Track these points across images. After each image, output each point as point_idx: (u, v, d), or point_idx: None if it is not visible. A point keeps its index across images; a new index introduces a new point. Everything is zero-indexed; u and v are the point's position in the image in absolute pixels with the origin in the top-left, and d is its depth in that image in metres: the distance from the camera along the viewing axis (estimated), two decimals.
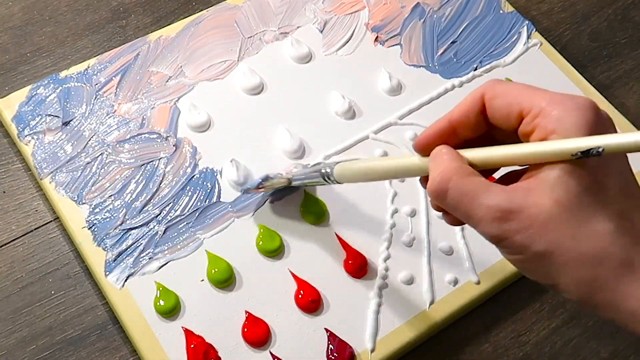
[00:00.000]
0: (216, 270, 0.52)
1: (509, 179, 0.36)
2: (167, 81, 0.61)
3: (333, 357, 0.50)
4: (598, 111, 0.33)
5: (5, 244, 0.54)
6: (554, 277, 0.33)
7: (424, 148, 0.38)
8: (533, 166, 0.33)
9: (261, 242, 0.54)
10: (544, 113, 0.33)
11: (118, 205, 0.55)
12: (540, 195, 0.32)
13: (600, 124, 0.33)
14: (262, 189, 0.55)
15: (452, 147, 0.36)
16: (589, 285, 0.32)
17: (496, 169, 0.38)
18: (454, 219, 0.37)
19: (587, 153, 0.31)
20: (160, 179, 0.56)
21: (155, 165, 0.57)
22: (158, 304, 0.51)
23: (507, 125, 0.35)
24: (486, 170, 0.36)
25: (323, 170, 0.49)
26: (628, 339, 0.56)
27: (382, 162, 0.43)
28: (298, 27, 0.66)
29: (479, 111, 0.36)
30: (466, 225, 0.56)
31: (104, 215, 0.54)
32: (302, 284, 0.53)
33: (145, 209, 0.55)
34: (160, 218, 0.54)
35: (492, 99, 0.36)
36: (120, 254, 0.53)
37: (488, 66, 0.66)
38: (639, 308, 0.31)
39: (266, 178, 0.54)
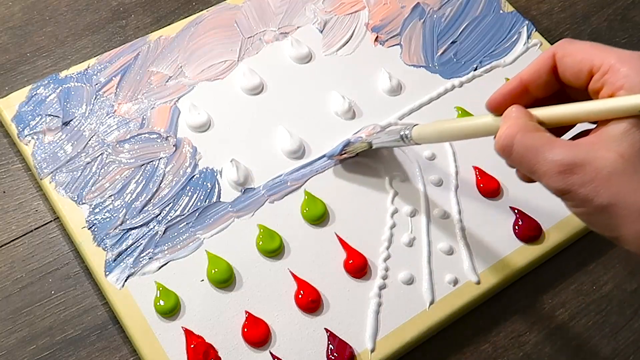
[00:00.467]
0: (216, 270, 0.52)
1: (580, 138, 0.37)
2: (167, 81, 0.61)
3: (333, 357, 0.50)
4: None
5: (5, 244, 0.54)
6: (616, 229, 0.33)
7: (497, 107, 0.39)
8: (600, 123, 0.34)
9: (261, 242, 0.54)
10: (612, 70, 0.34)
11: (118, 205, 0.55)
12: (604, 149, 0.33)
13: None
14: (345, 155, 0.57)
15: (523, 106, 0.37)
16: None
17: (567, 128, 0.39)
18: (525, 175, 0.38)
19: None
20: (160, 179, 0.56)
21: (155, 165, 0.57)
22: (158, 304, 0.51)
23: (578, 82, 0.36)
24: (558, 130, 0.37)
25: (402, 133, 0.51)
26: (628, 338, 0.56)
27: (456, 122, 0.45)
28: (298, 27, 0.66)
29: (550, 69, 0.37)
30: (466, 226, 0.56)
31: (104, 215, 0.54)
32: (302, 284, 0.53)
33: (145, 209, 0.55)
34: (160, 218, 0.54)
35: (563, 57, 0.37)
36: (120, 254, 0.53)
37: (488, 66, 0.66)
38: None
39: (348, 143, 0.56)
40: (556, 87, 0.38)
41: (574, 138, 0.38)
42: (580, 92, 0.37)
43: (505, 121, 0.37)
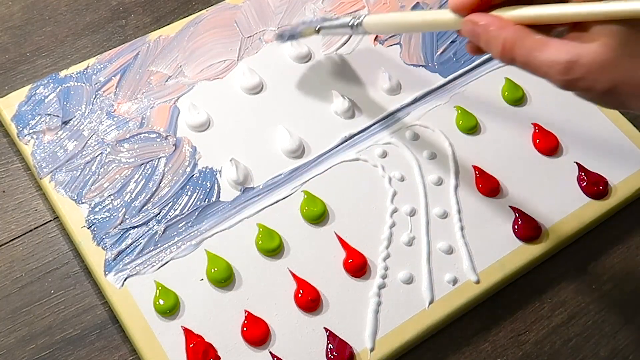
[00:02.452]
0: (215, 269, 0.52)
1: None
2: (166, 81, 0.61)
3: (332, 357, 0.50)
4: None
5: (5, 244, 0.54)
6: (627, 105, 0.38)
7: (461, 8, 0.42)
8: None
9: (261, 242, 0.54)
10: None
11: (117, 204, 0.55)
12: (592, 42, 0.37)
13: None
14: (292, 38, 0.60)
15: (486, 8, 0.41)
16: None
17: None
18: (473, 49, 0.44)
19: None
20: (160, 178, 0.56)
21: (155, 165, 0.57)
22: (157, 303, 0.51)
23: None
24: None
25: (351, 22, 0.53)
26: (628, 338, 0.56)
27: (415, 14, 0.48)
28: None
29: None
30: (466, 225, 0.56)
31: (104, 214, 0.54)
32: (301, 283, 0.53)
33: (144, 208, 0.55)
34: (160, 217, 0.55)
35: None
36: (119, 253, 0.53)
37: (488, 65, 0.66)
38: None
39: (295, 30, 0.59)
40: None
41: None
42: None
43: (495, 32, 0.40)
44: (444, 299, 0.53)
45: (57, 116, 0.58)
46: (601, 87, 0.37)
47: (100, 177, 0.56)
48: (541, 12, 0.39)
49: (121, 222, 0.54)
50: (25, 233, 0.55)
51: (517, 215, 0.57)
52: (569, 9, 0.38)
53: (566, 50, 0.38)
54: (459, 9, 0.42)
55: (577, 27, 0.38)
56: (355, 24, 0.53)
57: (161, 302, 0.51)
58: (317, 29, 0.58)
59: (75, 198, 0.55)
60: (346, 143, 0.60)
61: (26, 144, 0.57)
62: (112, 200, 0.55)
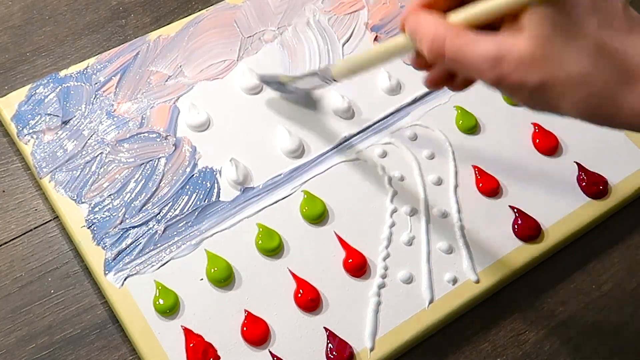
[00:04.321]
0: (215, 269, 0.52)
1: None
2: (166, 81, 0.61)
3: (332, 356, 0.50)
4: None
5: (5, 243, 0.54)
6: (556, 104, 0.35)
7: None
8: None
9: (260, 241, 0.54)
10: None
11: (117, 204, 0.55)
12: (521, 34, 0.35)
13: None
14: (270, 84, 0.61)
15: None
16: (587, 104, 0.35)
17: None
18: (459, 84, 0.42)
19: None
20: (160, 178, 0.56)
21: (155, 165, 0.57)
22: (157, 302, 0.51)
23: None
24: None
25: (322, 76, 0.53)
26: (628, 338, 0.56)
27: (371, 51, 0.47)
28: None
29: None
30: (465, 225, 0.56)
31: (104, 214, 0.54)
32: (301, 283, 0.53)
33: (144, 208, 0.55)
34: (160, 217, 0.55)
35: None
36: (119, 253, 0.53)
37: None
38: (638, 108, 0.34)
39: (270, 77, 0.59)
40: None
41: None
42: None
43: (421, 28, 0.39)
44: (444, 299, 0.53)
45: (57, 116, 0.58)
46: (532, 83, 0.35)
47: (100, 177, 0.56)
48: (476, 8, 0.37)
49: (121, 222, 0.54)
50: (25, 233, 0.55)
51: (517, 215, 0.57)
52: (493, 2, 0.37)
53: (495, 43, 0.36)
54: (403, 26, 0.41)
55: (510, 22, 0.36)
56: (324, 75, 0.53)
57: (161, 301, 0.51)
58: (288, 82, 0.59)
59: (75, 198, 0.55)
60: (346, 143, 0.60)
61: (26, 144, 0.57)
62: (112, 200, 0.55)
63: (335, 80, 0.53)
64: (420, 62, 0.42)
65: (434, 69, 0.43)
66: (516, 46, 0.35)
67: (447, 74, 0.43)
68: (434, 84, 0.43)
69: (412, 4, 0.40)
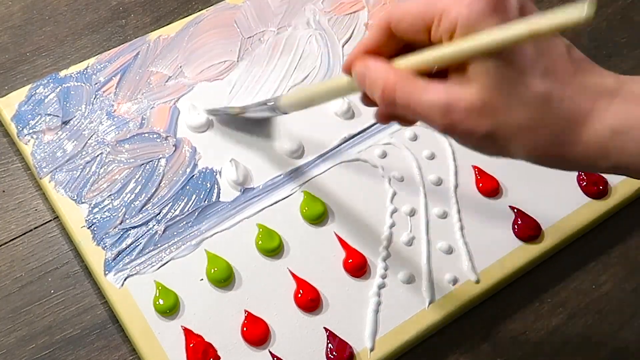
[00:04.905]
0: (215, 269, 0.52)
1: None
2: (166, 81, 0.61)
3: (332, 356, 0.50)
4: None
5: (5, 243, 0.54)
6: (506, 150, 0.36)
7: (350, 68, 0.41)
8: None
9: (260, 242, 0.54)
10: (444, 17, 0.36)
11: (117, 204, 0.55)
12: (469, 84, 0.35)
13: (499, 5, 0.35)
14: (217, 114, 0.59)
15: None
16: (536, 149, 0.35)
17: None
18: (405, 120, 0.42)
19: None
20: (160, 178, 0.56)
21: (155, 165, 0.57)
22: (157, 303, 0.51)
23: (421, 40, 0.38)
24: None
25: (270, 104, 0.53)
26: (627, 338, 0.56)
27: (317, 87, 0.48)
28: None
29: (389, 37, 0.39)
30: (465, 225, 0.56)
31: (104, 214, 0.54)
32: (301, 283, 0.53)
33: (144, 208, 0.55)
34: (160, 217, 0.55)
35: (397, 25, 0.38)
36: (119, 253, 0.53)
37: None
38: (588, 150, 0.34)
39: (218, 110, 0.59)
40: (403, 44, 0.39)
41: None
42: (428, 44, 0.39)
43: (371, 74, 0.39)
44: (443, 299, 0.53)
45: (57, 116, 0.58)
46: (481, 131, 0.35)
47: (100, 177, 0.56)
48: (422, 57, 0.37)
49: (121, 222, 0.54)
50: (25, 233, 0.55)
51: (516, 215, 0.57)
52: (443, 49, 0.36)
53: (445, 92, 0.36)
54: (348, 68, 0.41)
55: (458, 69, 0.36)
56: (273, 107, 0.53)
57: (161, 302, 0.51)
58: (239, 112, 0.58)
59: (75, 198, 0.55)
60: (346, 143, 0.60)
61: (26, 144, 0.57)
62: (112, 200, 0.55)
63: (284, 112, 0.53)
64: (369, 100, 0.42)
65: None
66: (464, 95, 0.35)
67: None
68: (385, 120, 0.43)
69: (356, 50, 0.40)
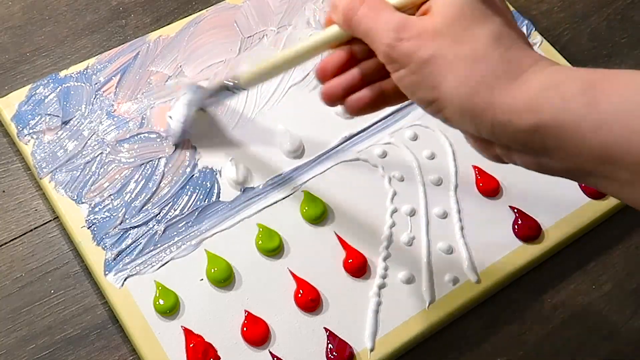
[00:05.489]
0: (215, 269, 0.52)
1: None
2: (166, 81, 0.61)
3: (332, 356, 0.50)
4: None
5: (5, 243, 0.54)
6: (437, 85, 0.36)
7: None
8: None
9: (260, 242, 0.54)
10: None
11: (117, 204, 0.55)
12: (431, 15, 0.37)
13: None
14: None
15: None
16: (468, 84, 0.35)
17: None
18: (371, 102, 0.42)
19: None
20: (160, 178, 0.56)
21: (155, 165, 0.57)
22: (157, 303, 0.51)
23: None
24: None
25: (227, 84, 0.52)
26: (628, 338, 0.56)
27: (277, 57, 0.47)
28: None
29: None
30: (465, 225, 0.56)
31: (104, 214, 0.54)
32: (301, 283, 0.53)
33: (144, 208, 0.55)
34: (160, 217, 0.55)
35: None
36: (119, 253, 0.53)
37: None
38: (516, 101, 0.34)
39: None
40: None
41: None
42: None
43: None
44: (444, 299, 0.53)
45: (57, 116, 0.58)
46: (422, 55, 0.36)
47: (100, 177, 0.56)
48: None
49: (121, 222, 0.54)
50: (25, 233, 0.55)
51: (517, 215, 0.57)
52: None
53: (404, 17, 0.38)
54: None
55: (425, 11, 0.38)
56: (232, 85, 0.51)
57: (161, 302, 0.51)
58: (199, 109, 0.57)
59: (75, 198, 0.55)
60: (346, 143, 0.60)
61: (26, 144, 0.57)
62: (112, 200, 0.55)
63: (243, 89, 0.52)
64: (325, 65, 0.42)
65: (333, 80, 0.43)
66: (423, 21, 0.37)
67: (346, 88, 0.42)
68: (330, 97, 0.43)
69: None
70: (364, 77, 0.42)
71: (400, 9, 0.39)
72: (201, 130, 0.59)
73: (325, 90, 0.43)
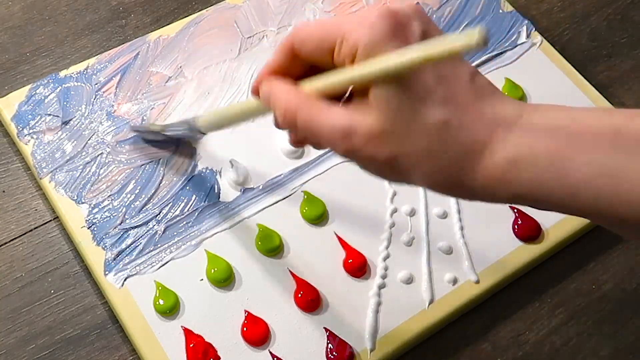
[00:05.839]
0: (215, 269, 0.52)
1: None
2: (166, 82, 0.61)
3: (332, 356, 0.50)
4: (393, 17, 0.34)
5: (5, 243, 0.54)
6: (408, 177, 0.36)
7: (257, 91, 0.41)
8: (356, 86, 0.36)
9: (260, 242, 0.54)
10: (345, 41, 0.35)
11: (117, 204, 0.55)
12: (369, 110, 0.35)
13: (400, 29, 0.34)
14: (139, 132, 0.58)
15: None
16: (436, 177, 0.35)
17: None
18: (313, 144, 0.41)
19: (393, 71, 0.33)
20: (160, 178, 0.56)
21: (155, 165, 0.57)
22: (157, 303, 0.51)
23: (326, 63, 0.37)
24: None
25: (191, 123, 0.52)
26: (628, 338, 0.56)
27: (231, 108, 0.47)
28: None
29: (292, 59, 0.39)
30: (465, 225, 0.56)
31: (104, 214, 0.54)
32: (301, 283, 0.53)
33: (144, 208, 0.55)
34: (160, 217, 0.55)
35: (301, 47, 0.38)
36: (119, 253, 0.53)
37: (488, 66, 0.66)
38: (487, 179, 0.34)
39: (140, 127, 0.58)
40: (309, 65, 0.39)
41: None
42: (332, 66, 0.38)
43: (275, 96, 0.38)
44: (443, 299, 0.53)
45: (57, 116, 0.58)
46: (381, 157, 0.35)
47: (100, 178, 0.56)
48: (324, 80, 0.37)
49: (121, 222, 0.54)
50: (25, 233, 0.55)
51: (517, 215, 0.57)
52: (341, 73, 0.36)
53: (347, 116, 0.35)
54: (256, 89, 0.41)
55: (362, 95, 0.35)
56: (192, 126, 0.52)
57: (161, 302, 0.51)
58: (161, 130, 0.57)
59: (75, 198, 0.55)
60: None
61: (26, 144, 0.57)
62: (112, 200, 0.55)
63: (202, 133, 0.52)
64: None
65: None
66: (365, 121, 0.35)
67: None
68: (296, 143, 0.43)
69: (264, 70, 0.40)
70: None
71: (328, 94, 0.37)
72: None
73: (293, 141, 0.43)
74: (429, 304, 0.53)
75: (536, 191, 0.33)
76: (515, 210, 0.58)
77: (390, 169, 0.36)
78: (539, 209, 0.35)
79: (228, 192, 0.56)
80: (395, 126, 0.34)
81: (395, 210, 0.57)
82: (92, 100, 0.60)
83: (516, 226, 0.57)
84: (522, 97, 0.64)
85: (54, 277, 0.53)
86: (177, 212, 0.55)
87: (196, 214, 0.55)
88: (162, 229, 0.54)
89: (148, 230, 0.54)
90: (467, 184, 0.34)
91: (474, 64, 0.66)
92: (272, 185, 0.57)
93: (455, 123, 0.34)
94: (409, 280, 0.54)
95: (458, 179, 0.35)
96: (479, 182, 0.34)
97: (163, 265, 0.53)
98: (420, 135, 0.34)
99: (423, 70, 0.34)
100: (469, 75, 0.35)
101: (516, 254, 0.56)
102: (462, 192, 0.35)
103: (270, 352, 0.50)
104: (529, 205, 0.35)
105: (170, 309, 0.50)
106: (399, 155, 0.35)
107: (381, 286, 0.53)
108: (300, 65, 0.39)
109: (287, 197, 0.57)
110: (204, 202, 0.56)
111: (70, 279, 0.53)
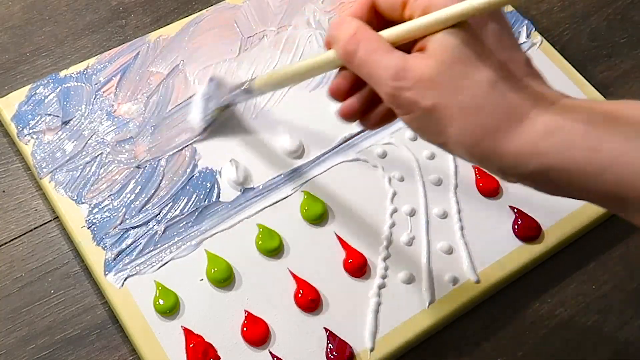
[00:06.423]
0: (215, 269, 0.52)
1: None
2: (164, 81, 0.61)
3: (332, 357, 0.50)
4: None
5: (5, 243, 0.54)
6: (443, 131, 0.36)
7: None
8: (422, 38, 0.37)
9: (260, 242, 0.54)
10: None
11: (117, 204, 0.55)
12: (427, 57, 0.36)
13: None
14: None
15: None
16: (473, 134, 0.36)
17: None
18: (372, 121, 0.43)
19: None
20: (160, 178, 0.56)
21: (155, 165, 0.57)
22: (157, 303, 0.51)
23: (397, 16, 0.39)
24: None
25: (245, 87, 0.53)
26: (628, 338, 0.56)
27: (298, 64, 0.47)
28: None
29: (373, 14, 0.40)
30: (465, 225, 0.56)
31: (104, 214, 0.54)
32: (301, 283, 0.53)
33: (144, 208, 0.55)
34: (160, 217, 0.55)
35: (380, 3, 0.40)
36: (119, 253, 0.53)
37: None
38: (521, 147, 0.35)
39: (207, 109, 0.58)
40: (382, 24, 0.40)
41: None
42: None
43: (343, 26, 0.39)
44: (444, 299, 0.53)
45: (57, 116, 0.58)
46: (425, 104, 0.36)
47: (100, 178, 0.56)
48: (392, 30, 0.38)
49: (121, 222, 0.54)
50: (25, 233, 0.55)
51: (517, 215, 0.57)
52: (412, 23, 0.37)
53: (403, 59, 0.37)
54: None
55: (422, 47, 0.37)
56: (248, 88, 0.53)
57: (161, 302, 0.51)
58: (223, 108, 0.58)
59: (75, 198, 0.55)
60: (346, 143, 0.60)
61: (26, 144, 0.57)
62: (112, 200, 0.55)
63: (261, 93, 0.52)
64: (338, 85, 0.42)
65: (349, 100, 0.43)
66: (420, 65, 0.36)
67: (362, 107, 0.42)
68: (348, 115, 0.43)
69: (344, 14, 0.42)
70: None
71: (395, 42, 0.38)
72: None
73: (343, 110, 0.43)
74: (429, 304, 0.53)
75: (565, 165, 0.34)
76: (515, 210, 0.58)
77: (428, 119, 0.36)
78: (554, 192, 0.36)
79: (228, 192, 0.56)
80: (447, 76, 0.35)
81: (395, 210, 0.57)
82: (92, 100, 0.60)
83: (516, 226, 0.57)
84: None
85: (54, 277, 0.53)
86: (177, 212, 0.55)
87: (196, 214, 0.55)
88: (162, 229, 0.54)
89: (148, 230, 0.54)
90: (500, 149, 0.35)
91: None
92: (272, 185, 0.57)
93: (503, 86, 0.35)
94: (409, 280, 0.54)
95: (491, 141, 0.35)
96: (512, 148, 0.35)
97: (163, 265, 0.53)
98: (468, 90, 0.35)
99: (487, 35, 0.37)
100: (525, 59, 0.38)
101: (516, 254, 0.56)
102: (491, 158, 0.36)
103: (270, 352, 0.50)
104: (546, 188, 0.36)
105: (170, 309, 0.50)
106: (442, 105, 0.36)
107: (381, 286, 0.53)
108: (377, 22, 0.40)
109: (287, 197, 0.57)
110: (204, 202, 0.56)
111: (70, 279, 0.53)
